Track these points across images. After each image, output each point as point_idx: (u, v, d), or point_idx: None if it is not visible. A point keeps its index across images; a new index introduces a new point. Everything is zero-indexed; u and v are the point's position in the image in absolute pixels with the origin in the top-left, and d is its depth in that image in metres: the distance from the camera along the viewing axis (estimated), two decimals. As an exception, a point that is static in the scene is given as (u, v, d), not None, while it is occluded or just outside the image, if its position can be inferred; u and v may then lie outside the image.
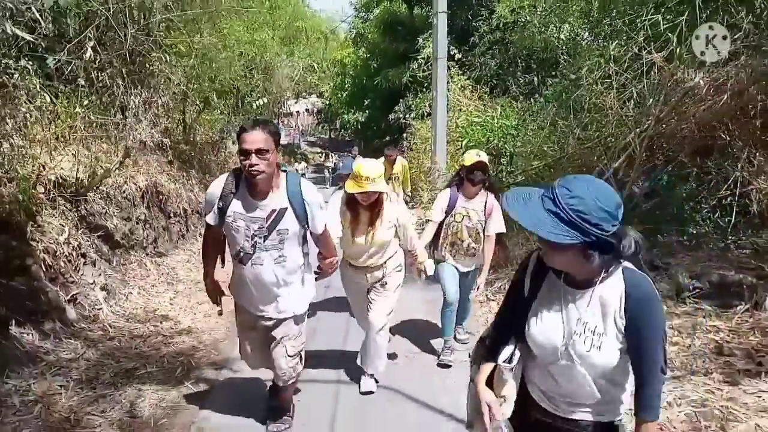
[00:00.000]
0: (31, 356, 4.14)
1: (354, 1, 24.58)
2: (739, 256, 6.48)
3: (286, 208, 2.95)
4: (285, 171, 3.02)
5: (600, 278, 1.68)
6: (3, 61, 4.40)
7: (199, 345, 4.99)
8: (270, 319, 3.16)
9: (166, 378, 4.22)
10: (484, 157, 4.39)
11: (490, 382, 1.94)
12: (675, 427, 3.27)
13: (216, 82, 10.69)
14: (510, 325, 1.92)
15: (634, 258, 1.67)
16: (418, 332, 5.32)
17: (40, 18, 4.46)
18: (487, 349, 2.00)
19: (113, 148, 6.87)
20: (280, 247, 3.00)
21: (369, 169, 3.57)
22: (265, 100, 14.32)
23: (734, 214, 6.86)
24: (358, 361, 4.20)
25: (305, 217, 3.00)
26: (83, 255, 5.45)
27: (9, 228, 4.57)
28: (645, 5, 7.97)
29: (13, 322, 4.22)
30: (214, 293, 3.34)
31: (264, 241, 2.96)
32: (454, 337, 4.88)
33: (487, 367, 1.95)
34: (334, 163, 23.02)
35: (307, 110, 41.86)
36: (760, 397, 3.46)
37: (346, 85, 24.94)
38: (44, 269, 4.78)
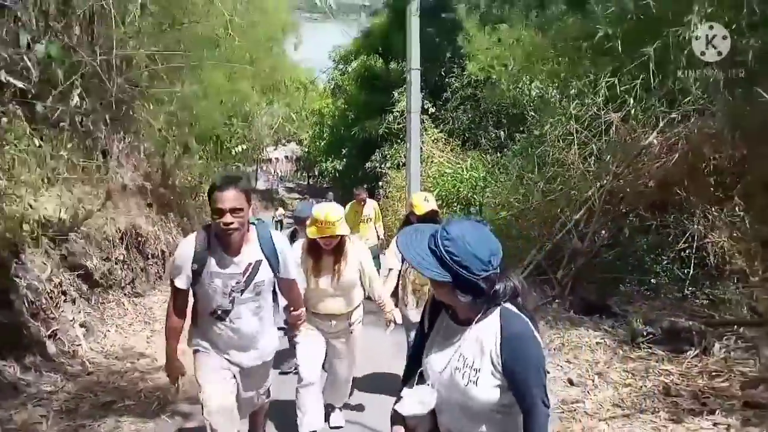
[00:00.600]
0: (12, 388, 4.28)
1: (332, 54, 25.29)
2: (693, 306, 6.88)
3: (261, 260, 2.95)
4: (253, 224, 2.99)
5: (477, 318, 1.76)
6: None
7: (172, 386, 5.13)
8: (247, 368, 3.11)
9: (143, 411, 4.38)
10: (432, 203, 4.33)
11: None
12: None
13: (196, 128, 11.02)
14: (416, 365, 1.97)
15: (514, 301, 1.77)
16: (381, 376, 5.21)
17: (31, 67, 4.78)
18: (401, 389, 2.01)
19: (95, 190, 7.09)
20: (256, 299, 3.00)
21: (329, 213, 3.57)
22: (245, 147, 14.64)
23: (692, 266, 7.26)
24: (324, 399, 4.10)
25: (278, 265, 3.01)
26: (64, 293, 5.63)
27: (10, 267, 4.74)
28: (604, 69, 8.56)
29: (-6, 356, 4.37)
30: (176, 372, 3.14)
31: (241, 294, 2.93)
32: None
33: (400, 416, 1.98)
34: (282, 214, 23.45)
35: (286, 157, 42.35)
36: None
37: (325, 134, 25.48)
38: (26, 305, 4.95)
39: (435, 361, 1.87)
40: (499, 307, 1.77)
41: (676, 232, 7.87)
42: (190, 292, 2.97)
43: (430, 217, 4.18)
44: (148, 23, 6.78)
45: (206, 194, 3.01)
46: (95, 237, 6.92)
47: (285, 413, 4.04)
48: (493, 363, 1.75)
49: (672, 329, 5.47)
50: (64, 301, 5.60)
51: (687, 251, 7.44)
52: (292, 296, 3.29)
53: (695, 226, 7.34)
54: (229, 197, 2.70)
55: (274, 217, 22.29)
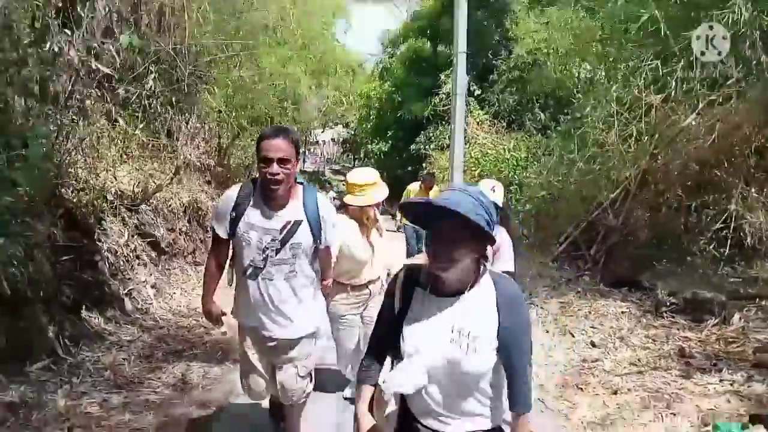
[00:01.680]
0: (98, 335, 4.95)
1: (382, 38, 25.68)
2: (723, 282, 7.09)
3: (302, 221, 2.81)
4: (302, 183, 2.89)
5: (471, 283, 1.81)
6: (85, 90, 5.31)
7: (234, 336, 5.76)
8: (280, 340, 2.97)
9: (209, 358, 4.99)
10: (499, 192, 3.97)
11: (372, 406, 2.00)
12: (630, 406, 3.95)
13: (250, 110, 11.66)
14: (386, 343, 1.98)
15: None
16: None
17: (116, 55, 5.41)
18: (365, 373, 2.01)
19: (162, 167, 7.77)
20: (292, 262, 2.85)
21: (361, 175, 3.70)
22: (295, 129, 15.19)
23: (728, 245, 7.46)
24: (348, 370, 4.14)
25: (319, 231, 2.87)
26: (137, 257, 6.32)
27: (81, 229, 5.42)
28: (648, 51, 8.75)
29: (84, 307, 5.05)
30: (212, 313, 3.07)
31: (276, 254, 2.80)
32: None
33: (367, 391, 1.98)
34: None
35: (332, 139, 42.86)
36: (706, 387, 4.11)
37: (372, 117, 25.85)
38: (107, 266, 5.63)
39: (422, 338, 1.84)
40: (487, 272, 1.85)
41: (714, 212, 8.08)
42: (230, 244, 2.90)
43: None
44: (212, 14, 7.32)
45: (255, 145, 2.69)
46: (162, 209, 7.62)
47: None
48: (490, 327, 1.79)
49: (694, 300, 5.75)
50: (138, 264, 6.29)
51: (724, 231, 7.64)
52: (323, 263, 3.14)
53: (733, 207, 7.48)
54: (278, 146, 2.59)
55: None
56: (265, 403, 3.64)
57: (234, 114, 10.54)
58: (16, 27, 4.54)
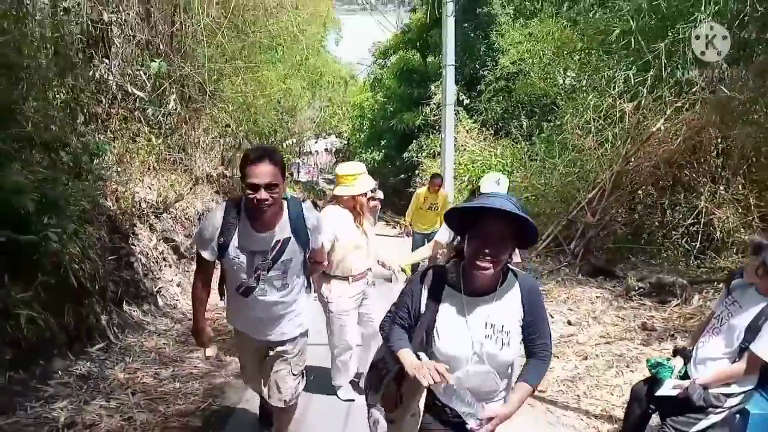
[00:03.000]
0: (138, 325, 5.67)
1: (372, 49, 26.49)
2: (690, 271, 7.88)
3: (290, 238, 2.84)
4: (285, 198, 2.87)
5: (499, 282, 2.00)
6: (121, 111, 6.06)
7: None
8: (273, 342, 3.08)
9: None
10: (503, 185, 4.15)
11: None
12: (597, 367, 4.72)
13: (252, 124, 12.41)
14: (405, 327, 2.15)
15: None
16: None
17: (146, 80, 6.17)
18: (400, 341, 2.11)
19: (180, 178, 8.51)
20: (283, 277, 2.90)
21: (350, 167, 3.93)
22: (293, 141, 15.95)
23: (699, 239, 8.22)
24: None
25: (307, 242, 2.92)
26: (164, 259, 7.04)
27: (119, 233, 6.14)
28: (621, 62, 9.60)
29: (125, 301, 5.77)
30: (203, 336, 3.12)
31: (267, 272, 2.84)
32: None
33: (409, 352, 2.06)
34: None
35: (326, 149, 43.47)
36: (662, 351, 4.88)
37: (364, 127, 26.53)
38: (141, 266, 6.35)
39: (455, 342, 2.01)
40: (509, 271, 2.05)
41: (685, 209, 8.87)
42: (217, 264, 2.90)
43: None
44: (221, 36, 8.08)
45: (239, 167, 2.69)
46: (180, 217, 8.34)
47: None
48: (517, 321, 2.02)
49: (660, 284, 6.56)
50: (165, 265, 7.01)
51: (695, 226, 8.40)
52: (316, 257, 3.22)
53: (702, 204, 8.23)
54: (264, 172, 2.56)
55: None
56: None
57: (239, 128, 11.29)
58: (65, 56, 5.30)
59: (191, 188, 8.20)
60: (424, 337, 2.06)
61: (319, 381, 4.44)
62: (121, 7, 5.88)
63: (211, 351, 3.29)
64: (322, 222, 3.07)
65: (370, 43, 26.83)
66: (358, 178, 3.89)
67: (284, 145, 15.54)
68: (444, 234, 4.51)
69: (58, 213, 3.90)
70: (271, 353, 3.11)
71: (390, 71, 23.58)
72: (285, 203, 2.84)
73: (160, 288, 6.58)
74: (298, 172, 35.61)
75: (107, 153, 5.30)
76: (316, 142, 37.28)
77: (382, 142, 23.30)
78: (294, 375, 3.17)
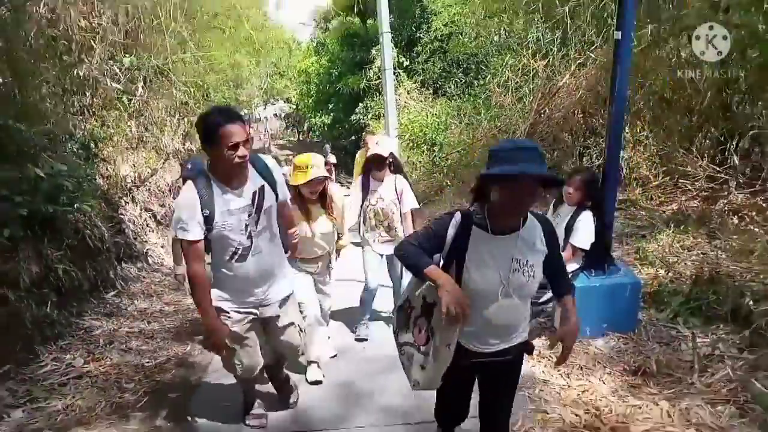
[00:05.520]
0: (136, 278, 6.89)
1: (313, 14, 27.20)
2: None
3: (263, 185, 2.92)
4: None
5: (522, 221, 2.19)
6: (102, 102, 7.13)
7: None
8: (270, 304, 3.12)
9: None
10: (384, 145, 4.65)
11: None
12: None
13: (206, 99, 13.37)
14: (430, 255, 2.26)
15: None
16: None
17: (120, 74, 7.23)
18: (426, 259, 2.22)
19: (148, 155, 9.57)
20: (269, 225, 2.98)
21: (308, 157, 3.82)
22: (246, 111, 16.87)
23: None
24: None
25: (276, 188, 2.99)
26: (147, 225, 8.20)
27: (111, 204, 7.28)
28: (533, 25, 10.99)
29: (122, 260, 6.96)
30: (222, 335, 2.94)
31: (256, 226, 2.90)
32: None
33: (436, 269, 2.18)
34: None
35: (275, 115, 43.80)
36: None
37: (312, 92, 27.39)
38: (131, 231, 7.52)
39: (486, 277, 2.17)
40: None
41: (597, 151, 10.38)
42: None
43: (374, 160, 4.58)
44: (176, 27, 9.07)
45: (203, 133, 2.70)
46: (152, 189, 9.45)
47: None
48: (540, 253, 2.22)
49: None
50: (149, 231, 8.18)
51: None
52: (287, 218, 3.28)
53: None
54: (240, 130, 2.67)
55: None
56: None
57: (196, 105, 12.25)
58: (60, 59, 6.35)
59: (162, 163, 9.27)
60: (453, 274, 2.19)
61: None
62: (93, 13, 6.85)
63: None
64: (280, 169, 3.12)
65: (312, 5, 27.41)
66: (310, 167, 3.77)
67: (237, 115, 16.42)
68: (356, 198, 4.73)
69: (83, 190, 5.08)
70: (274, 323, 3.19)
71: (332, 36, 24.37)
72: None
73: (147, 249, 7.76)
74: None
75: (106, 139, 6.42)
76: (264, 109, 37.83)
77: (330, 106, 24.21)
78: (301, 330, 3.37)
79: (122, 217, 7.47)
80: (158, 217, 9.09)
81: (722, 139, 7.73)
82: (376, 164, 4.58)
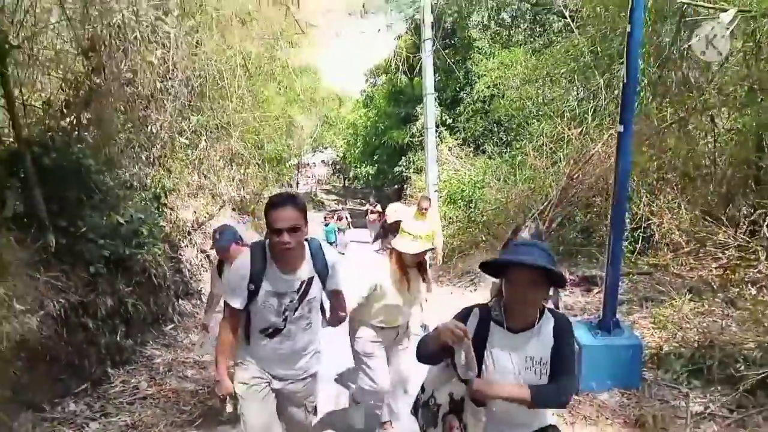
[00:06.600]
0: (190, 315, 7.59)
1: (365, 71, 28.51)
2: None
3: (313, 277, 2.92)
4: (306, 239, 2.93)
5: (538, 318, 2.22)
6: (171, 155, 8.02)
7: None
8: (290, 380, 3.09)
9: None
10: (400, 212, 4.94)
11: None
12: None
13: (260, 150, 14.36)
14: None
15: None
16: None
17: (188, 130, 8.12)
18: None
19: (206, 200, 10.46)
20: (308, 316, 2.98)
21: (421, 228, 3.77)
22: (295, 161, 17.85)
23: (640, 240, 10.03)
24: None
25: (326, 279, 2.98)
26: (202, 266, 9.00)
27: (172, 245, 8.08)
28: (570, 94, 11.65)
29: (180, 297, 7.70)
30: (224, 391, 3.08)
31: (294, 313, 2.91)
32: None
33: None
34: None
35: (322, 161, 45.27)
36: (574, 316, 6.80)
37: (358, 143, 28.51)
38: (187, 271, 8.30)
39: (501, 372, 2.23)
40: (546, 309, 2.26)
41: (628, 217, 10.76)
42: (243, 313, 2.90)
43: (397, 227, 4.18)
44: (237, 89, 10.04)
45: (263, 212, 2.80)
46: (209, 232, 10.28)
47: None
48: (549, 351, 2.23)
49: (586, 276, 8.50)
50: (203, 271, 8.96)
51: (637, 231, 10.23)
52: (338, 303, 3.22)
53: (641, 212, 10.05)
54: (288, 216, 2.66)
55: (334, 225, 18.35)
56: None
57: (251, 155, 13.23)
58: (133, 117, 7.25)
59: (219, 209, 10.14)
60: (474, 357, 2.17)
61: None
62: (168, 75, 7.81)
63: (230, 407, 3.63)
64: (340, 261, 3.11)
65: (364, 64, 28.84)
66: (423, 239, 3.74)
67: (288, 164, 17.47)
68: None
69: (153, 235, 5.88)
70: (287, 398, 3.16)
71: (381, 91, 25.52)
72: (306, 243, 2.93)
73: (201, 288, 8.51)
74: (297, 183, 37.41)
75: (174, 190, 7.28)
76: (313, 155, 39.30)
77: (375, 157, 25.20)
78: (309, 412, 3.30)
79: (181, 257, 8.26)
80: (211, 258, 9.88)
81: (753, 210, 8.05)
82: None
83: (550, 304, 3.60)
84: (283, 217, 2.65)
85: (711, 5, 5.85)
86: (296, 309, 2.89)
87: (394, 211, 5.04)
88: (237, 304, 2.81)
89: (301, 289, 2.88)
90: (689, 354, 5.23)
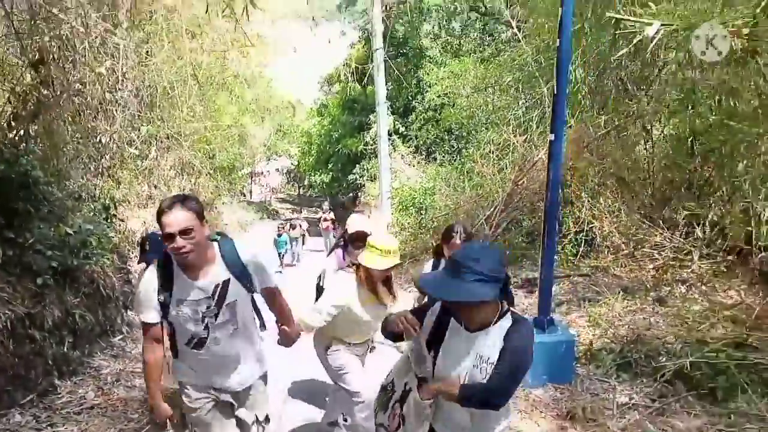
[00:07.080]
0: (138, 325, 7.57)
1: (318, 79, 28.74)
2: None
3: (229, 279, 2.77)
4: (216, 240, 2.81)
5: (495, 319, 2.21)
6: (119, 165, 8.02)
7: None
8: (231, 391, 2.98)
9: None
10: (357, 225, 4.56)
11: None
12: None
13: (211, 159, 14.38)
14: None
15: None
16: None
17: (138, 141, 8.14)
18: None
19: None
20: (233, 320, 2.83)
21: (392, 241, 3.64)
22: (248, 170, 17.87)
23: (582, 243, 10.41)
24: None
25: (250, 280, 2.85)
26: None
27: (121, 256, 8.06)
28: (517, 101, 12.05)
29: (128, 308, 7.69)
30: (162, 414, 2.90)
31: (215, 319, 2.76)
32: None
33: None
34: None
35: (276, 170, 45.12)
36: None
37: (312, 151, 28.57)
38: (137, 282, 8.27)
39: (451, 367, 2.25)
40: (509, 312, 2.25)
41: (570, 220, 11.18)
42: (164, 324, 2.77)
43: (360, 237, 4.24)
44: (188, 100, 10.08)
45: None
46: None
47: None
48: (497, 353, 2.19)
49: (529, 278, 8.84)
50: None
51: (580, 234, 10.62)
52: (276, 308, 3.11)
53: (583, 215, 10.44)
54: (177, 219, 2.52)
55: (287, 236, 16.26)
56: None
57: (202, 164, 13.23)
58: (84, 127, 7.25)
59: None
60: (427, 352, 2.31)
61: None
62: (117, 86, 7.82)
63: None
64: (260, 255, 2.94)
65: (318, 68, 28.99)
66: (392, 253, 3.58)
67: (240, 173, 17.46)
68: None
69: (102, 246, 5.90)
70: (233, 408, 3.04)
71: (334, 100, 25.69)
72: (216, 245, 2.79)
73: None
74: (251, 193, 37.17)
75: (123, 201, 7.29)
76: (267, 163, 39.13)
77: (329, 166, 25.31)
78: (260, 423, 3.15)
79: (130, 268, 8.22)
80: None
81: (691, 213, 8.49)
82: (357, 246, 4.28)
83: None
84: (172, 221, 2.51)
85: (637, 19, 6.20)
86: (216, 315, 2.76)
87: (354, 221, 4.88)
88: (150, 318, 2.71)
89: (217, 293, 2.74)
90: (618, 349, 5.59)
